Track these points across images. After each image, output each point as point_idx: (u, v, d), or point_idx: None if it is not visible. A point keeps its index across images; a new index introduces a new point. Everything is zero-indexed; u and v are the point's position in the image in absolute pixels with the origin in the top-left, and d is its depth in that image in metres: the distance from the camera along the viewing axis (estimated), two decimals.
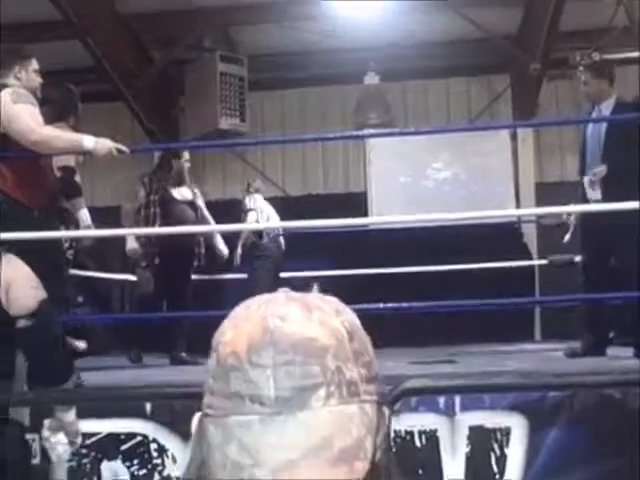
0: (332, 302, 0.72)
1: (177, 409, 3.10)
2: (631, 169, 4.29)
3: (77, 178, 4.59)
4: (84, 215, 4.56)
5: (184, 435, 3.13)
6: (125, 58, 7.95)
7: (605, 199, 4.35)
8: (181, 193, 5.79)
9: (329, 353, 0.67)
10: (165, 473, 3.25)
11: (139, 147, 4.61)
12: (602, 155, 4.58)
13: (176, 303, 5.59)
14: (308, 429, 0.64)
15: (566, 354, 4.66)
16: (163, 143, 7.82)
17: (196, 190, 6.03)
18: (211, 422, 0.67)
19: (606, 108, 4.73)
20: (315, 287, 7.13)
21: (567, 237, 5.10)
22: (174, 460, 3.23)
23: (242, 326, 0.68)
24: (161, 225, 5.60)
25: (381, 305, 4.05)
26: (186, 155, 5.91)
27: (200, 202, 5.96)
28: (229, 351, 0.67)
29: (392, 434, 2.92)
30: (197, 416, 0.71)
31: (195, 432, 0.71)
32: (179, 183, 5.80)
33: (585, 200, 4.62)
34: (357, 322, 0.72)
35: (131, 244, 5.78)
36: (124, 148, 3.78)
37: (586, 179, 4.56)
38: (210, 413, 0.68)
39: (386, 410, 0.71)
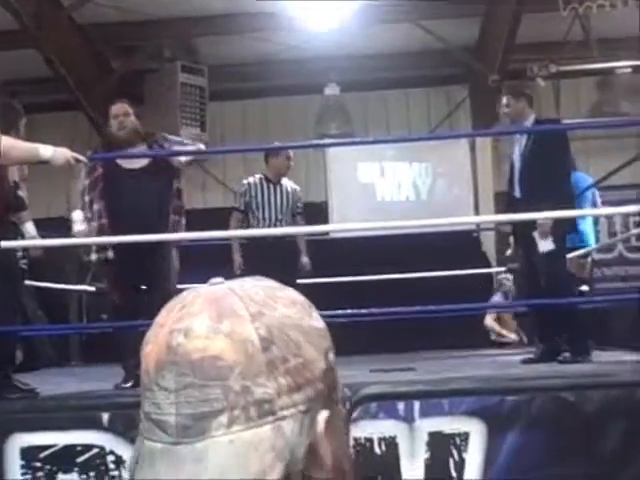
0: (258, 301, 0.64)
1: (135, 419, 3.07)
2: (552, 180, 4.55)
3: (21, 192, 4.49)
4: (30, 227, 4.56)
5: None
6: (84, 67, 7.89)
7: (530, 209, 4.43)
8: (131, 160, 4.51)
9: (234, 372, 0.60)
10: None
11: (97, 156, 4.51)
12: (521, 171, 4.79)
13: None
14: (200, 466, 0.58)
15: (521, 361, 4.75)
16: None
17: (166, 140, 4.73)
18: (139, 439, 0.63)
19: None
20: None
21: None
22: None
23: (158, 337, 0.63)
24: (103, 206, 4.35)
25: (340, 312, 4.06)
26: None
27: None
28: (144, 367, 0.63)
29: (352, 442, 2.90)
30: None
31: (139, 437, 0.65)
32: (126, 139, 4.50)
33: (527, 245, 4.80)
34: (290, 320, 0.64)
35: (79, 226, 4.48)
36: (82, 157, 3.75)
37: (536, 233, 4.67)
38: (140, 428, 0.64)
39: (324, 413, 0.63)
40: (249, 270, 5.24)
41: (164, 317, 0.64)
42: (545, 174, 4.59)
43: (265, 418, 0.60)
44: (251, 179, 5.87)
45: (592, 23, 7.78)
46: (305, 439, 0.61)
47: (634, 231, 7.62)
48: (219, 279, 0.67)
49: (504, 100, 5.02)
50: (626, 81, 8.27)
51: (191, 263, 5.02)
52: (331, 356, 0.66)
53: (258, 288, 0.65)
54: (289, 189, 5.87)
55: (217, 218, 6.01)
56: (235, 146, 8.60)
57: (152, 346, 0.63)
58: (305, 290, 0.69)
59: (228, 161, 9.01)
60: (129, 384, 4.06)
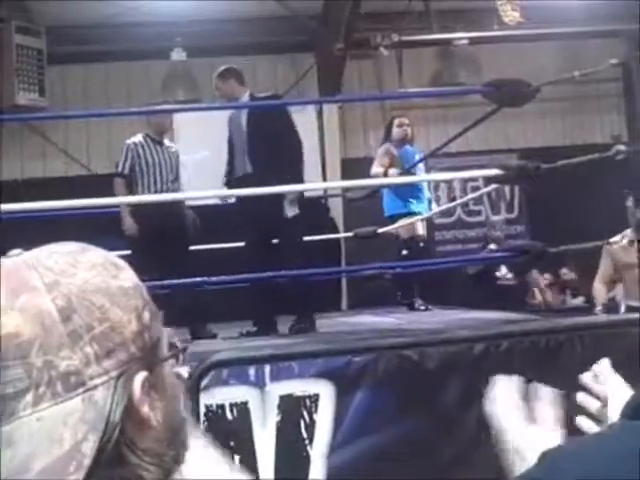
0: (55, 270, 0.61)
1: None
2: (274, 155, 4.57)
3: None
4: None
5: None
6: None
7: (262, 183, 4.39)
8: None
9: (34, 347, 0.58)
10: None
11: None
12: (248, 149, 4.75)
13: None
14: (10, 449, 0.56)
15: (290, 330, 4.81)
16: None
17: None
18: None
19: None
20: None
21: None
22: None
23: None
24: None
25: (193, 280, 4.03)
26: None
27: None
28: None
29: (203, 409, 2.85)
30: None
31: None
32: None
33: None
34: (92, 285, 0.62)
35: None
36: None
37: (286, 200, 4.77)
38: None
39: (141, 374, 0.62)
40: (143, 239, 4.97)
41: None
42: (271, 149, 4.58)
43: (74, 391, 0.59)
44: (133, 139, 5.27)
45: None
46: (121, 404, 0.60)
47: (471, 195, 8.01)
48: (17, 250, 0.64)
49: (213, 85, 4.96)
50: (463, 52, 8.63)
51: (29, 235, 4.82)
52: (146, 315, 0.65)
53: (57, 255, 0.63)
54: (172, 149, 5.38)
55: (58, 188, 5.79)
56: (77, 111, 8.26)
57: None
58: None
59: (70, 128, 8.65)
60: None
